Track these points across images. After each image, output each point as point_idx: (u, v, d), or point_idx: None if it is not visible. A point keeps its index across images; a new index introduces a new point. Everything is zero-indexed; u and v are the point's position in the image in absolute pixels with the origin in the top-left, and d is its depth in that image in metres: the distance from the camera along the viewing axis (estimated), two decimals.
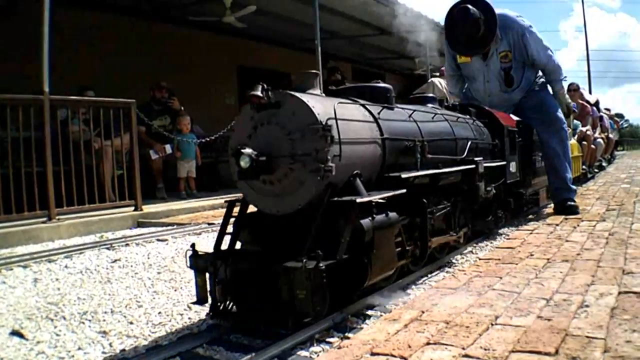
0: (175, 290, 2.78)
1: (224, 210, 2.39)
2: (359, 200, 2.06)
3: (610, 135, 13.03)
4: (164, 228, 4.94)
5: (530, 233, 3.71)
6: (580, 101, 10.00)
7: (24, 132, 4.64)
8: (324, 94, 2.50)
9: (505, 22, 4.51)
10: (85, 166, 5.19)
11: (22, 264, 3.55)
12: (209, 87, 9.24)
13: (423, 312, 2.01)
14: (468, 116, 3.84)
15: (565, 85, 5.30)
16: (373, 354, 1.63)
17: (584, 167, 8.46)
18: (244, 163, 2.04)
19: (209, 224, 4.91)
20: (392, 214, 2.24)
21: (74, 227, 4.76)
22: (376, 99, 2.75)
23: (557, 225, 3.99)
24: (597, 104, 11.85)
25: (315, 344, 1.88)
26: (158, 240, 4.35)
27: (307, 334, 1.90)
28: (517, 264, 2.75)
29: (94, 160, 5.29)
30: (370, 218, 2.09)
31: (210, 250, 2.28)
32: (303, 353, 1.82)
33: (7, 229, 4.35)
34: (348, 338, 1.85)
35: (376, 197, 2.17)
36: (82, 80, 6.42)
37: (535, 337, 1.67)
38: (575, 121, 8.91)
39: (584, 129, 9.30)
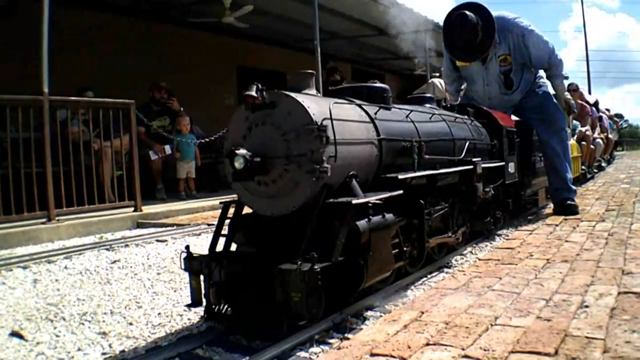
0: (174, 291, 2.78)
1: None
2: (354, 201, 2.04)
3: (610, 136, 13.04)
4: (164, 229, 4.94)
5: (530, 233, 3.71)
6: (580, 101, 10.01)
7: (23, 132, 4.64)
8: (319, 94, 2.48)
9: (504, 25, 4.49)
10: (84, 167, 5.19)
11: (21, 264, 3.55)
12: (208, 87, 9.24)
13: (423, 312, 2.01)
14: (466, 116, 3.84)
15: (565, 84, 5.27)
16: (373, 355, 1.63)
17: (583, 167, 8.46)
18: (238, 164, 2.03)
19: (208, 224, 4.90)
20: (389, 216, 2.23)
21: (73, 227, 4.76)
22: (373, 99, 2.73)
23: (556, 225, 3.99)
24: (596, 104, 11.86)
25: (314, 345, 1.88)
26: (157, 241, 4.35)
27: (306, 335, 1.89)
28: (516, 265, 2.75)
29: (93, 161, 5.29)
30: (366, 219, 2.07)
31: (205, 252, 2.27)
32: (302, 354, 1.82)
33: (7, 230, 4.35)
34: (347, 339, 1.85)
35: (372, 199, 2.16)
36: (82, 80, 6.42)
37: (534, 338, 1.67)
38: (574, 121, 8.91)
39: (583, 129, 9.30)
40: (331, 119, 2.16)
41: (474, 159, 3.30)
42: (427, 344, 1.68)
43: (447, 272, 2.90)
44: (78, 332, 2.21)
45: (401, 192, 2.37)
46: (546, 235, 3.58)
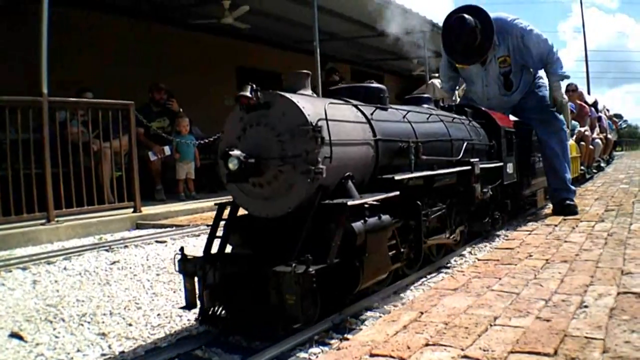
0: (174, 292, 2.78)
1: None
2: (350, 202, 2.02)
3: (609, 136, 13.04)
4: (163, 230, 4.94)
5: (529, 234, 3.71)
6: (579, 102, 10.02)
7: (22, 133, 4.64)
8: (315, 95, 2.47)
9: (503, 26, 4.48)
10: (84, 168, 5.20)
11: (21, 266, 3.55)
12: (208, 88, 9.23)
13: (422, 313, 2.01)
14: (464, 117, 3.83)
15: (564, 85, 5.23)
16: (372, 355, 1.63)
17: (582, 167, 8.47)
18: (232, 165, 2.00)
19: (208, 225, 4.86)
20: (385, 217, 2.21)
21: (72, 229, 4.76)
22: (369, 100, 2.72)
23: (555, 225, 3.99)
24: (595, 104, 11.87)
25: (314, 345, 1.88)
26: (157, 241, 4.35)
27: (306, 335, 1.89)
28: (516, 265, 2.75)
29: (92, 162, 5.29)
30: (362, 221, 2.05)
31: (201, 254, 2.25)
32: (302, 354, 1.82)
33: (6, 231, 4.35)
34: (347, 339, 1.85)
35: (368, 200, 2.14)
36: (81, 81, 6.42)
37: (534, 338, 1.67)
38: (573, 122, 8.91)
39: (582, 129, 9.30)
40: (326, 119, 2.14)
41: (471, 160, 3.29)
42: (427, 345, 1.69)
43: (446, 273, 2.90)
44: (77, 333, 2.21)
45: (397, 193, 2.35)
46: (545, 236, 3.59)
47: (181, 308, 2.21)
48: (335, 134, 2.17)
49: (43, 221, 4.65)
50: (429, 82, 7.86)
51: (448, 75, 5.06)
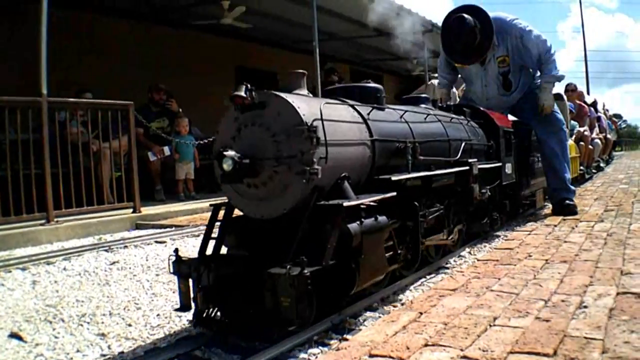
0: (173, 293, 2.78)
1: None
2: (345, 203, 2.00)
3: (608, 136, 13.06)
4: (162, 230, 4.94)
5: (529, 234, 3.71)
6: (578, 102, 10.03)
7: (22, 134, 4.64)
8: (311, 95, 2.45)
9: (502, 26, 4.48)
10: (83, 168, 5.19)
11: (20, 266, 3.55)
12: (207, 89, 9.22)
13: (421, 313, 2.01)
14: (462, 117, 3.83)
15: (563, 85, 5.23)
16: (371, 356, 1.63)
17: (581, 167, 8.48)
18: (226, 166, 1.98)
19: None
20: (382, 218, 2.19)
21: (72, 229, 4.76)
22: (366, 100, 2.70)
23: (555, 225, 3.99)
24: (594, 104, 11.88)
25: (313, 346, 1.88)
26: (156, 242, 4.35)
27: (305, 336, 1.89)
28: (515, 265, 2.75)
29: (92, 162, 5.29)
30: (358, 222, 2.03)
31: (195, 255, 2.24)
32: (301, 355, 1.82)
33: (6, 232, 4.35)
34: (346, 340, 1.85)
35: (365, 200, 2.12)
36: (81, 82, 6.41)
37: (533, 338, 1.68)
38: (572, 122, 8.92)
39: (581, 129, 9.31)
40: (322, 119, 2.12)
41: (470, 160, 3.28)
42: (426, 345, 1.69)
43: (445, 273, 2.91)
44: (77, 334, 2.21)
45: (394, 193, 2.33)
46: (545, 236, 3.59)
47: (175, 310, 2.19)
48: (331, 134, 2.15)
49: (42, 221, 4.65)
50: (429, 82, 7.86)
51: (445, 72, 5.06)
